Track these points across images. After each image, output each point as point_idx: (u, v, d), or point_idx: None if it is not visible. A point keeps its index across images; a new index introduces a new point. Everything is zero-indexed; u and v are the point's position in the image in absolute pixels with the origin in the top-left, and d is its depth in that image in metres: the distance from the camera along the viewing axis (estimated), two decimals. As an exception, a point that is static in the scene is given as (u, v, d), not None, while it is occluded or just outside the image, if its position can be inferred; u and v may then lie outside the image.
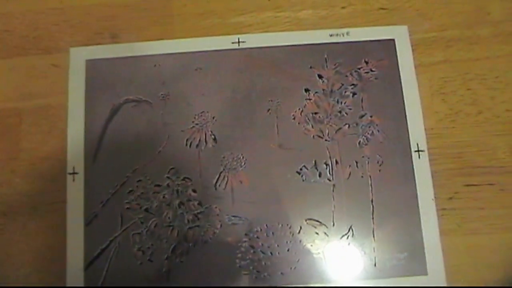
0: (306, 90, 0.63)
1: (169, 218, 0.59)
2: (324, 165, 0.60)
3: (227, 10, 0.66)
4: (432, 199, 0.60)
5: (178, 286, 0.59)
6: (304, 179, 0.60)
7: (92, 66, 0.64)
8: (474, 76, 0.65)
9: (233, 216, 0.59)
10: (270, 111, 0.62)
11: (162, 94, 0.63)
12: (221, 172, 0.60)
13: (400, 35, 0.65)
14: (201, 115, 0.62)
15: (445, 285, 0.58)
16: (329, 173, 0.60)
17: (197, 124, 0.62)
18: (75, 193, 0.61)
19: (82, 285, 0.58)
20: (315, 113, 0.62)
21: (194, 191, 0.60)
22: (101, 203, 0.60)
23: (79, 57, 0.64)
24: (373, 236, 0.59)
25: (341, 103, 0.62)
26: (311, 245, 0.59)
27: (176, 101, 0.63)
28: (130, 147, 0.61)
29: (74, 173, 0.61)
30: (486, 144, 0.62)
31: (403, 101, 0.62)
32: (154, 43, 0.65)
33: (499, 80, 0.64)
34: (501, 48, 0.65)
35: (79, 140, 0.62)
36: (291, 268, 0.58)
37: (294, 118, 0.62)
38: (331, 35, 0.65)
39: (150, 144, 0.61)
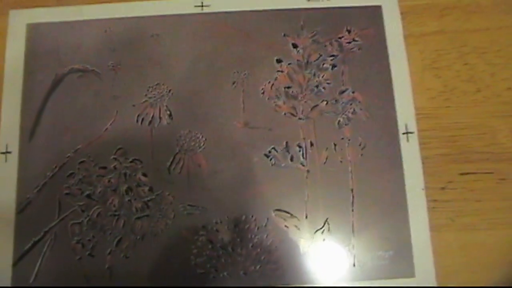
0: (278, 61, 0.50)
1: (114, 206, 0.47)
2: (297, 148, 0.48)
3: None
4: (422, 189, 0.48)
5: (122, 286, 0.44)
6: (273, 163, 0.47)
7: (34, 30, 0.52)
8: (472, 49, 0.54)
9: (189, 205, 0.47)
10: (235, 84, 0.49)
11: (112, 64, 0.51)
12: (176, 154, 0.48)
13: (387, 1, 0.52)
14: (156, 88, 0.50)
15: None
16: (303, 157, 0.47)
17: (150, 98, 0.49)
18: (6, 175, 0.50)
19: (9, 284, 0.46)
20: (288, 88, 0.49)
21: (145, 175, 0.47)
22: (36, 187, 0.48)
23: (19, 20, 0.52)
24: (353, 231, 0.47)
25: (319, 76, 0.50)
26: (280, 241, 0.46)
27: (128, 71, 0.50)
28: (73, 123, 0.49)
29: (6, 152, 0.50)
30: (484, 126, 0.50)
31: (390, 75, 0.51)
32: (104, 6, 0.54)
33: (500, 54, 0.53)
34: (503, 19, 0.54)
35: (15, 114, 0.50)
36: (255, 267, 0.46)
37: (263, 93, 0.49)
38: (308, 0, 0.51)
39: (96, 120, 0.49)
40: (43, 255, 0.47)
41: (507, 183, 0.49)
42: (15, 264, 0.47)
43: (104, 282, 0.46)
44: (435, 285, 0.47)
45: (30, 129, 0.50)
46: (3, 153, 0.49)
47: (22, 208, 0.48)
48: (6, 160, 0.49)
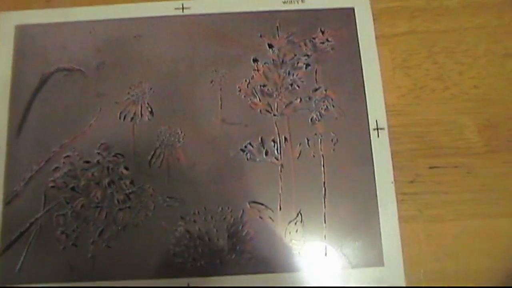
0: (255, 61, 0.50)
1: (97, 198, 0.47)
2: (272, 143, 0.48)
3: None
4: (392, 182, 0.48)
5: (104, 273, 0.45)
6: (248, 157, 0.48)
7: (22, 32, 0.53)
8: (440, 49, 0.54)
9: (168, 197, 0.47)
10: (213, 82, 0.50)
11: (96, 63, 0.52)
12: (156, 148, 0.48)
13: (360, 3, 0.53)
14: (138, 86, 0.50)
15: (403, 277, 0.46)
16: (277, 152, 0.48)
17: (133, 95, 0.50)
18: (-5, 170, 0.47)
19: (-5, 272, 0.45)
20: (264, 86, 0.50)
21: (126, 168, 0.48)
22: (23, 180, 0.48)
23: (8, 22, 0.53)
24: (324, 223, 0.47)
25: (293, 75, 0.50)
26: (254, 232, 0.46)
27: (112, 70, 0.51)
28: (59, 119, 0.50)
29: (-5, 147, 0.48)
30: (452, 122, 0.50)
31: (362, 74, 0.51)
32: (90, 8, 0.55)
33: (467, 54, 0.53)
34: (470, 20, 0.54)
35: (3, 111, 0.51)
36: (230, 257, 0.46)
37: (240, 91, 0.50)
38: (284, 2, 0.53)
39: (81, 116, 0.50)
40: (28, 245, 0.47)
41: (473, 176, 0.50)
42: (1, 254, 0.47)
43: (87, 271, 0.47)
44: (402, 273, 0.47)
45: (17, 125, 0.50)
46: (-9, 148, 0.49)
47: (9, 200, 0.48)
48: (-6, 155, 0.49)
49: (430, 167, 0.50)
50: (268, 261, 0.47)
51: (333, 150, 0.50)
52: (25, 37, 0.53)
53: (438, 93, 0.52)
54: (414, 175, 0.50)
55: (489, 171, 0.50)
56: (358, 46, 0.52)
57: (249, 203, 0.48)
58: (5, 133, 0.50)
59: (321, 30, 0.53)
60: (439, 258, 0.48)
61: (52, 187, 0.49)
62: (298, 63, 0.52)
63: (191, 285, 0.47)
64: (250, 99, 0.50)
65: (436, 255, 0.48)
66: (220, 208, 0.48)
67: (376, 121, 0.50)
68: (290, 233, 0.48)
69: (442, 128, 0.51)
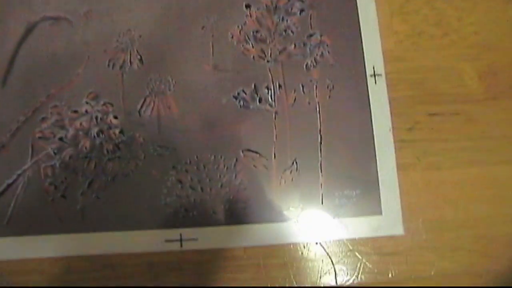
0: (247, 6, 0.49)
1: (86, 148, 0.45)
2: (265, 90, 0.46)
3: None
4: (389, 130, 0.46)
5: (93, 225, 0.43)
6: (241, 104, 0.46)
7: (6, -21, 0.49)
8: (439, -6, 0.49)
9: (159, 146, 0.45)
10: (204, 28, 0.48)
11: (83, 11, 0.49)
12: (146, 97, 0.46)
13: None
14: (127, 34, 0.48)
15: (401, 225, 0.44)
16: (271, 99, 0.46)
17: (121, 43, 0.48)
18: (-20, 121, 0.45)
19: (-18, 223, 0.43)
20: (256, 32, 0.48)
21: (116, 117, 0.46)
22: (9, 131, 0.46)
23: (-9, -31, 0.49)
24: (321, 171, 0.45)
25: (287, 20, 0.48)
26: (248, 180, 0.44)
27: (99, 18, 0.49)
28: (45, 69, 0.48)
29: (-20, 98, 0.46)
30: (451, 69, 0.48)
31: (358, 19, 0.49)
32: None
33: (467, -1, 0.49)
34: (470, -37, 0.50)
35: (-13, 62, 0.47)
36: (224, 206, 0.45)
37: (232, 37, 0.48)
38: None
39: (68, 66, 0.48)
40: (16, 197, 0.46)
41: (473, 123, 0.48)
42: (-12, 205, 0.45)
43: (76, 222, 0.45)
44: (401, 222, 0.45)
45: (2, 76, 0.49)
46: (-24, 99, 0.47)
47: (-4, 152, 0.46)
48: (-21, 106, 0.47)
49: (429, 114, 0.48)
50: (263, 210, 0.45)
51: (329, 96, 0.48)
52: (8, -15, 0.50)
53: (436, 39, 0.50)
54: (413, 122, 0.48)
55: (489, 118, 0.48)
56: (354, -10, 0.50)
57: (242, 152, 0.46)
58: (-11, 83, 0.47)
59: (315, -26, 0.50)
60: (438, 206, 0.47)
61: (40, 138, 0.47)
62: (292, 8, 0.50)
63: (184, 236, 0.45)
64: (243, 46, 0.48)
65: (435, 203, 0.47)
66: (213, 157, 0.46)
67: (373, 67, 0.48)
68: (285, 182, 0.46)
69: (441, 75, 0.49)
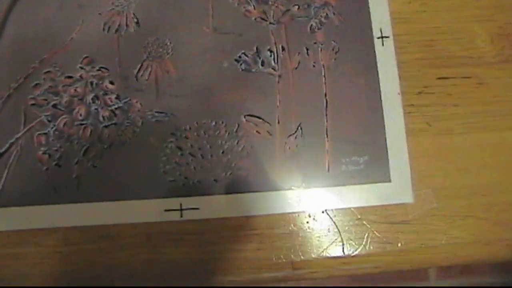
0: (248, -34, 0.45)
1: (81, 115, 0.43)
2: (268, 52, 0.44)
3: None
4: (398, 94, 0.43)
5: (89, 194, 0.41)
6: (243, 68, 0.43)
7: None
8: (449, -48, 0.46)
9: (157, 112, 0.43)
10: (203, -11, 0.44)
11: (77, -28, 0.44)
12: (144, 61, 0.43)
13: None
14: (122, -5, 0.44)
15: (411, 193, 0.41)
16: (274, 62, 0.43)
17: (117, 5, 0.45)
18: (-30, 88, 0.43)
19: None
20: (258, -8, 0.44)
21: (112, 83, 0.43)
22: (1, 98, 0.44)
23: None
24: (327, 137, 0.42)
25: (290, -20, 0.44)
26: (251, 147, 0.42)
27: (93, -21, 0.44)
28: (38, 33, 0.45)
29: (-31, 64, 0.43)
30: (462, 31, 0.45)
31: (364, -21, 0.44)
32: None
33: (478, -43, 0.46)
34: None
35: (-24, 26, 0.44)
36: (225, 174, 0.42)
37: (232, -2, 0.44)
38: None
39: (61, 30, 0.45)
40: (9, 166, 0.43)
41: (485, 87, 0.46)
42: (-20, 175, 0.43)
43: (71, 192, 0.42)
44: (410, 189, 0.43)
45: (-7, 41, 0.45)
46: (-34, 65, 0.44)
47: (-13, 120, 0.43)
48: (-31, 72, 0.44)
49: (439, 78, 0.45)
50: (266, 178, 0.43)
51: (335, 59, 0.45)
52: None
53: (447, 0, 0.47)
54: (422, 86, 0.45)
55: (501, 81, 0.46)
56: (360, -51, 0.47)
57: (244, 117, 0.44)
58: (-21, 49, 0.45)
59: None
60: (448, 173, 0.44)
61: (33, 104, 0.44)
62: (295, -32, 0.46)
63: (184, 205, 0.42)
64: (244, 7, 0.46)
65: (446, 170, 0.44)
66: (214, 123, 0.43)
67: (380, 29, 0.46)
68: (289, 148, 0.43)
69: (451, 37, 0.46)
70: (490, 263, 0.45)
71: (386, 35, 0.45)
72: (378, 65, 0.45)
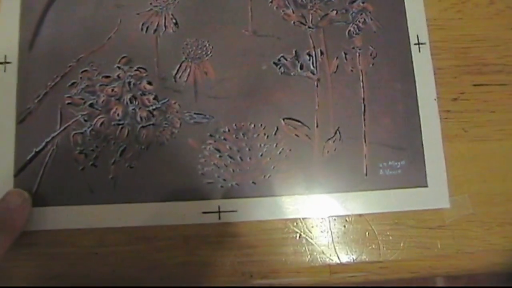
0: (287, -30, 0.44)
1: (118, 115, 0.41)
2: (307, 56, 0.43)
3: None
4: (435, 99, 0.43)
5: (126, 195, 0.40)
6: (282, 71, 0.42)
7: None
8: (484, -40, 0.46)
9: (196, 114, 0.42)
10: (243, -8, 0.43)
11: (115, -28, 0.44)
12: (182, 62, 0.42)
13: None
14: (161, -4, 0.44)
15: (447, 198, 0.41)
16: (313, 65, 0.43)
17: (155, 6, 0.44)
18: (6, 86, 0.44)
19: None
20: (297, -4, 0.44)
21: (150, 83, 0.42)
22: (37, 97, 0.42)
23: None
24: (365, 141, 0.42)
25: (328, -15, 0.44)
26: (290, 150, 0.41)
27: (132, -20, 0.44)
28: (75, 32, 0.44)
29: (6, 62, 0.45)
30: (498, 39, 0.45)
31: (402, -14, 0.44)
32: None
33: (513, -35, 0.46)
34: None
35: (13, 23, 0.45)
36: (264, 177, 0.41)
37: (271, 1, 0.45)
38: None
39: (99, 29, 0.44)
40: (45, 165, 0.42)
41: (521, 94, 0.45)
42: (16, 174, 0.42)
43: (108, 192, 0.42)
44: (447, 194, 0.42)
45: (29, 40, 0.45)
46: (2, 63, 0.44)
47: (23, 118, 0.43)
48: (5, 70, 0.44)
49: (475, 85, 0.45)
50: (305, 181, 0.42)
51: (372, 64, 0.44)
52: None
53: (482, 8, 0.47)
54: (458, 93, 0.45)
55: (537, 89, 0.45)
56: (397, -44, 0.46)
57: (283, 120, 0.43)
58: (16, 47, 0.45)
59: None
60: (485, 179, 0.43)
61: (69, 104, 0.43)
62: (333, -27, 0.46)
63: (222, 208, 0.41)
64: (283, 11, 0.45)
65: (483, 176, 0.44)
66: (253, 125, 0.43)
67: (417, 35, 0.45)
68: (328, 151, 0.43)
69: (487, 44, 0.46)
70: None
71: (423, 42, 0.45)
72: (415, 71, 0.45)
